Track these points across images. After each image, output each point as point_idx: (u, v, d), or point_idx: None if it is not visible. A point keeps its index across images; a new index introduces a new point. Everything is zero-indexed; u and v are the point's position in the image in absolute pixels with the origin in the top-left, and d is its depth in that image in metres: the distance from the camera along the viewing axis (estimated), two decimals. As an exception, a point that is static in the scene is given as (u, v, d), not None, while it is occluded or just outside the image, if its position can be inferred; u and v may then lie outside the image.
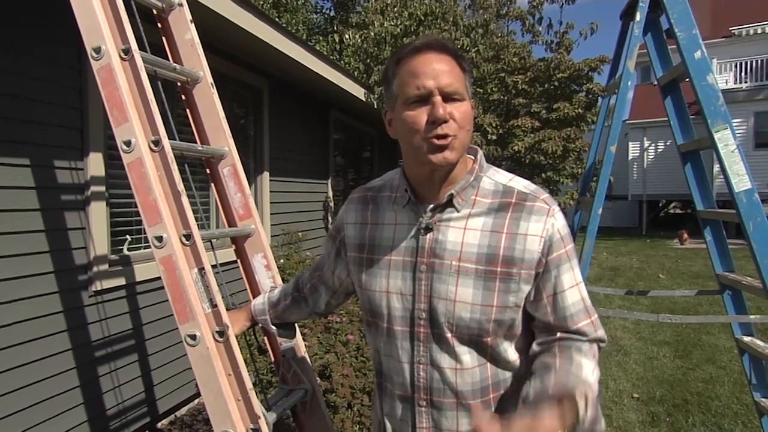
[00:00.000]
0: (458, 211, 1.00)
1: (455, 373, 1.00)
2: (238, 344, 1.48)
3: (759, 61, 15.63)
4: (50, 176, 2.48)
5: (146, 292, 3.07)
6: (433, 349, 1.01)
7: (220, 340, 1.46)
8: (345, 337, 3.03)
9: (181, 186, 1.50)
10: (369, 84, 6.40)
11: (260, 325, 1.44)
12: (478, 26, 7.51)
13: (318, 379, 1.80)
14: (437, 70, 0.93)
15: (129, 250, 2.97)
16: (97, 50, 1.53)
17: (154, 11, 1.81)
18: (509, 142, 6.89)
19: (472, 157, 1.05)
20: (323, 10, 16.87)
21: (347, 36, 7.78)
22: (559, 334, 1.00)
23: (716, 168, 12.09)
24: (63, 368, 2.51)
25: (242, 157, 1.83)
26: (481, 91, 7.32)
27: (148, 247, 3.11)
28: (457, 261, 0.98)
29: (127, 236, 2.98)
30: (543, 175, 7.06)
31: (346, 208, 1.18)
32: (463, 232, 0.99)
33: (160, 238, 1.47)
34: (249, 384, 1.45)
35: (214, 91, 1.81)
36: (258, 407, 1.44)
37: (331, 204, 6.33)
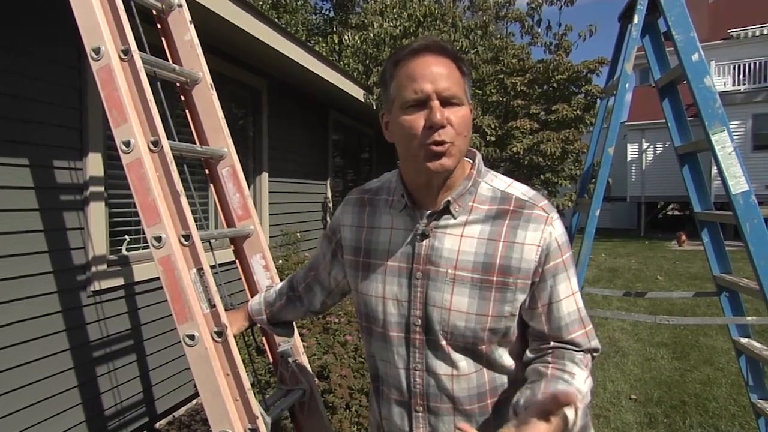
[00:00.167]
0: (455, 218, 0.98)
1: (451, 380, 0.99)
2: (237, 344, 1.49)
3: (757, 64, 15.67)
4: (49, 176, 2.48)
5: (145, 292, 3.07)
6: (428, 355, 1.00)
7: (219, 340, 1.46)
8: (343, 338, 3.04)
9: (180, 186, 1.51)
10: (368, 85, 6.42)
11: (259, 325, 1.44)
12: (477, 28, 7.53)
13: (316, 379, 1.81)
14: (435, 74, 0.91)
15: (127, 250, 2.97)
16: (97, 51, 1.53)
17: (154, 12, 1.82)
18: (508, 144, 6.90)
19: (470, 161, 1.03)
20: (322, 11, 16.89)
21: (346, 37, 7.80)
22: (552, 343, 0.99)
23: (714, 170, 12.13)
24: (61, 368, 2.51)
25: (241, 157, 1.84)
26: (480, 92, 7.34)
27: (147, 247, 3.12)
28: (453, 269, 0.97)
29: (126, 236, 2.98)
30: (541, 176, 7.08)
31: (343, 209, 1.16)
32: (459, 240, 0.97)
33: (159, 239, 1.47)
34: (247, 384, 1.45)
35: (214, 92, 1.81)
36: (256, 407, 1.45)
37: (330, 205, 6.33)
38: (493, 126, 6.72)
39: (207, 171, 1.83)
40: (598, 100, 7.02)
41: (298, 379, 1.69)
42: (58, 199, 2.54)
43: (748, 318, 2.40)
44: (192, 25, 1.81)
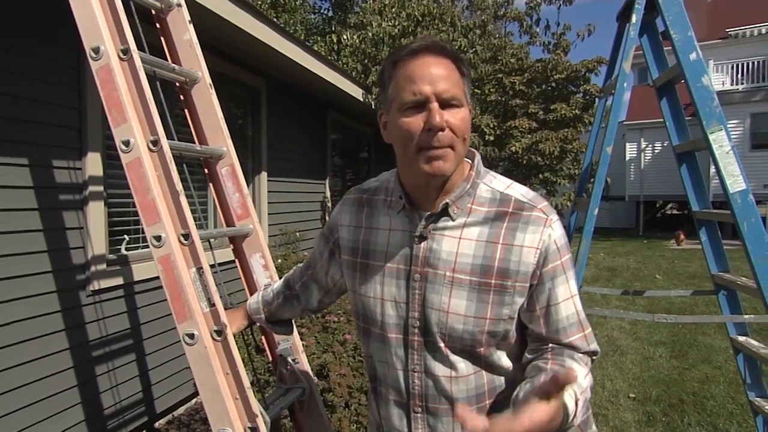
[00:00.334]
0: (453, 220, 0.97)
1: (450, 381, 0.99)
2: (236, 343, 1.49)
3: (755, 63, 15.69)
4: (48, 176, 2.48)
5: (144, 291, 3.07)
6: (427, 357, 1.00)
7: (218, 339, 1.47)
8: (342, 337, 3.04)
9: (179, 186, 1.51)
10: (367, 84, 6.42)
11: (258, 324, 1.45)
12: (475, 27, 7.53)
13: (315, 378, 1.81)
14: (435, 75, 0.90)
15: (127, 249, 2.98)
16: (96, 50, 1.54)
17: (153, 12, 1.82)
18: (507, 143, 6.91)
19: (470, 161, 1.02)
20: (321, 11, 16.89)
21: (345, 36, 7.80)
22: (551, 345, 0.98)
23: (712, 170, 12.13)
24: (61, 368, 2.52)
25: (240, 157, 1.84)
26: (479, 91, 7.34)
27: (146, 246, 3.13)
28: (451, 272, 0.96)
29: (125, 236, 2.98)
30: (540, 175, 7.09)
31: (341, 209, 1.15)
32: (458, 242, 0.97)
33: (158, 238, 1.47)
34: (247, 383, 1.46)
35: (213, 91, 1.81)
36: (256, 406, 1.45)
37: (329, 204, 6.34)
38: (491, 125, 6.73)
39: (206, 170, 1.84)
40: (597, 100, 7.03)
41: (297, 377, 1.69)
42: (57, 198, 2.54)
43: (746, 316, 2.41)
44: (191, 24, 1.82)
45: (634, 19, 2.27)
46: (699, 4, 17.27)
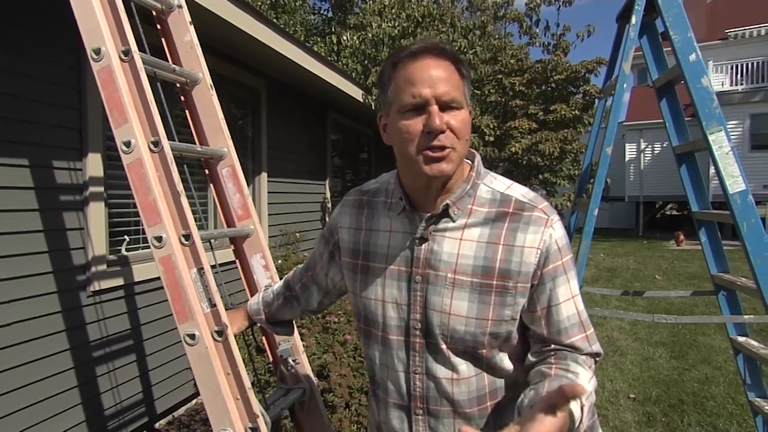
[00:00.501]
0: (454, 221, 0.97)
1: (451, 383, 0.99)
2: (237, 344, 1.49)
3: (755, 63, 15.71)
4: (49, 176, 2.48)
5: (144, 292, 3.08)
6: (428, 359, 1.00)
7: (219, 339, 1.47)
8: (343, 337, 3.04)
9: (180, 186, 1.51)
10: (366, 85, 6.42)
11: (258, 324, 1.45)
12: (475, 28, 7.54)
13: (316, 378, 1.81)
14: (434, 78, 0.90)
15: (127, 250, 2.98)
16: (97, 51, 1.54)
17: (154, 13, 1.82)
18: (506, 144, 6.91)
19: (470, 162, 1.02)
20: (321, 12, 16.90)
21: (345, 37, 7.80)
22: (553, 346, 0.98)
23: (712, 170, 12.14)
24: (61, 368, 2.52)
25: (240, 157, 1.84)
26: (479, 92, 7.35)
27: (146, 247, 3.13)
28: (453, 273, 0.96)
29: (125, 236, 2.99)
30: (540, 176, 7.09)
31: (341, 210, 1.15)
32: (459, 243, 0.97)
33: (159, 238, 1.48)
34: (248, 383, 1.46)
35: (213, 92, 1.82)
36: (257, 406, 1.45)
37: (329, 205, 6.34)
38: (491, 126, 6.74)
39: (207, 171, 1.84)
40: (596, 100, 7.04)
41: (297, 378, 1.70)
42: (58, 199, 2.55)
43: (746, 317, 2.42)
44: (192, 25, 1.82)
45: (633, 20, 2.27)
46: (698, 5, 17.28)
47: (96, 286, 2.71)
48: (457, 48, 6.71)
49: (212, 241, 1.81)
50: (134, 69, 1.55)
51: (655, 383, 4.04)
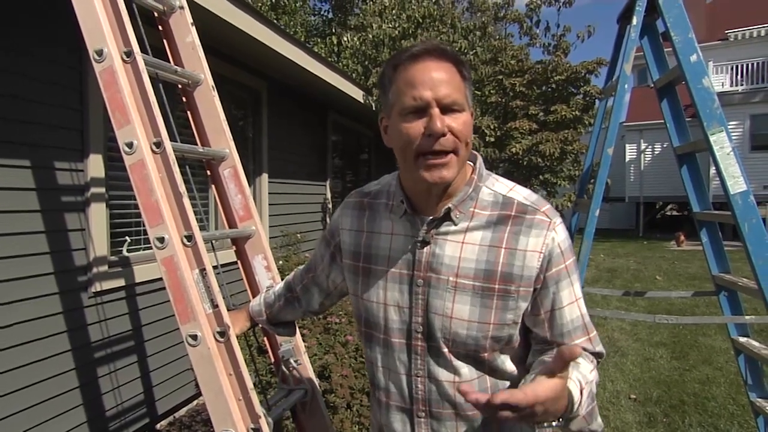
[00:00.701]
0: (456, 225, 0.97)
1: (453, 386, 0.99)
2: (238, 345, 1.49)
3: (755, 64, 15.71)
4: (50, 177, 2.49)
5: (145, 293, 3.08)
6: (430, 362, 0.99)
7: (221, 340, 1.47)
8: (344, 338, 3.04)
9: (182, 187, 1.52)
10: (367, 86, 6.42)
11: (260, 325, 1.45)
12: (476, 29, 7.55)
13: (317, 379, 1.81)
14: (435, 80, 0.89)
15: (128, 251, 2.98)
16: (100, 53, 1.54)
17: (155, 14, 1.83)
18: (507, 144, 6.92)
19: (471, 164, 1.02)
20: (321, 12, 16.90)
21: (345, 38, 7.81)
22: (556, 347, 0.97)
23: (712, 171, 12.15)
24: (63, 369, 2.52)
25: (241, 158, 1.84)
26: (479, 93, 7.35)
27: (147, 248, 3.13)
28: (455, 277, 0.96)
29: (127, 237, 2.99)
30: (540, 177, 7.09)
31: (342, 212, 1.14)
32: (460, 247, 0.96)
33: (161, 239, 1.48)
34: (250, 384, 1.46)
35: (215, 93, 1.82)
36: (259, 407, 1.46)
37: (330, 206, 6.34)
38: (492, 127, 6.74)
39: (209, 172, 1.84)
40: (597, 101, 7.04)
41: (299, 379, 1.70)
42: (59, 200, 2.55)
43: (747, 317, 2.41)
44: (193, 27, 1.82)
45: (634, 21, 2.28)
46: (698, 6, 17.28)
47: (97, 287, 2.71)
48: (457, 49, 6.72)
49: (214, 241, 1.81)
50: (136, 70, 1.55)
51: (656, 384, 4.04)
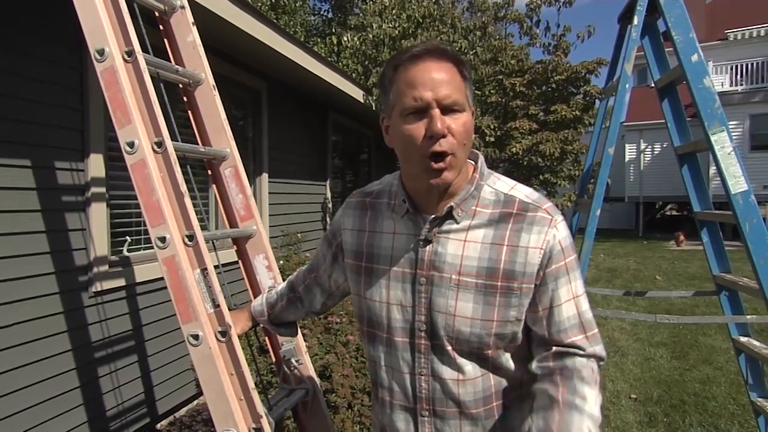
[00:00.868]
0: (458, 223, 0.97)
1: (457, 384, 0.99)
2: (240, 344, 1.49)
3: (754, 64, 15.72)
4: (51, 177, 2.48)
5: (146, 293, 3.07)
6: (434, 360, 1.00)
7: (223, 340, 1.47)
8: (345, 338, 3.04)
9: (184, 187, 1.52)
10: (367, 86, 6.42)
11: (261, 325, 1.45)
12: (476, 29, 7.54)
13: (318, 379, 1.81)
14: (436, 81, 0.89)
15: (129, 251, 2.98)
16: (101, 52, 1.54)
17: (156, 13, 1.82)
18: (507, 144, 6.92)
19: (473, 163, 1.02)
20: (321, 12, 16.90)
21: (345, 38, 7.80)
22: (554, 349, 0.97)
23: (712, 170, 12.16)
24: (63, 369, 2.52)
25: (241, 158, 1.84)
26: (479, 93, 7.35)
27: (148, 248, 3.13)
28: (457, 275, 0.96)
29: (127, 237, 2.99)
30: (540, 176, 7.09)
31: (344, 212, 1.14)
32: (463, 245, 0.97)
33: (163, 239, 1.48)
34: (251, 384, 1.46)
35: (216, 93, 1.82)
36: (260, 406, 1.46)
37: (330, 205, 6.34)
38: (492, 127, 6.74)
39: (210, 172, 1.84)
40: (597, 101, 7.04)
41: (300, 378, 1.70)
42: (59, 200, 2.55)
43: (748, 317, 2.41)
44: (194, 26, 1.82)
45: (636, 20, 2.27)
46: (697, 6, 17.27)
47: (98, 286, 2.71)
48: (457, 49, 6.71)
49: (215, 241, 1.81)
50: (137, 70, 1.55)
51: (656, 383, 4.04)
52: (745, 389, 2.46)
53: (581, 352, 0.97)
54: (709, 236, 2.43)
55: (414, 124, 0.91)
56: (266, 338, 1.84)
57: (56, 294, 2.49)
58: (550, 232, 0.95)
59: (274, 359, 1.85)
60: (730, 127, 2.24)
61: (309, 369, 1.75)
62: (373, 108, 6.22)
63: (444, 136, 0.89)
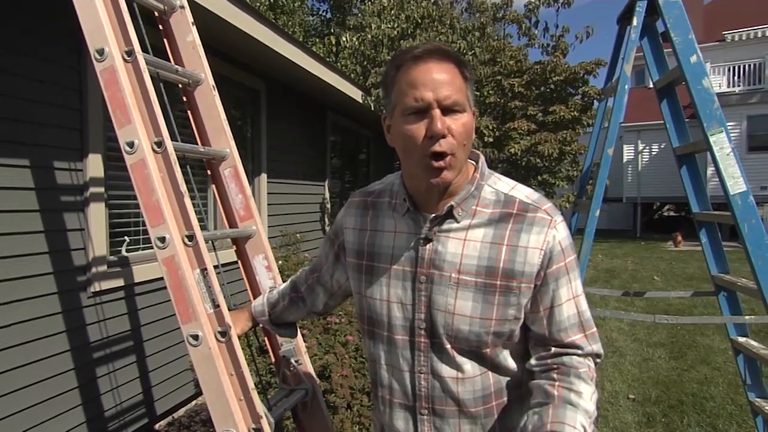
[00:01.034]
0: (458, 222, 0.98)
1: (456, 382, 0.99)
2: (239, 344, 1.49)
3: (752, 65, 15.76)
4: (50, 177, 2.48)
5: (144, 293, 3.07)
6: (433, 358, 1.00)
7: (222, 340, 1.47)
8: (344, 338, 3.04)
9: (183, 187, 1.51)
10: (366, 86, 6.41)
11: (261, 325, 1.45)
12: (474, 29, 7.54)
13: (317, 379, 1.81)
14: (437, 81, 0.90)
15: (127, 251, 2.97)
16: (101, 52, 1.54)
17: (156, 13, 1.82)
18: (505, 145, 6.92)
19: (474, 163, 1.03)
20: (320, 12, 16.88)
21: (344, 38, 7.80)
22: (554, 351, 0.98)
23: (710, 171, 12.19)
24: (62, 369, 2.51)
25: (240, 158, 1.84)
26: (478, 93, 7.35)
27: (146, 248, 3.13)
28: (457, 273, 0.97)
29: (126, 237, 2.98)
30: (539, 177, 7.09)
31: (345, 212, 1.15)
32: (463, 244, 0.97)
33: (162, 239, 1.47)
34: (251, 384, 1.46)
35: (216, 93, 1.82)
36: (260, 407, 1.45)
37: (328, 206, 6.33)
38: (490, 127, 6.74)
39: (209, 172, 1.84)
40: (595, 102, 7.05)
41: (300, 379, 1.70)
42: (58, 200, 2.54)
43: (747, 317, 2.42)
44: (194, 26, 1.82)
45: (635, 21, 2.28)
46: (695, 7, 17.32)
47: (96, 286, 2.70)
48: (456, 49, 6.71)
49: (214, 241, 1.81)
50: (137, 69, 1.55)
51: (654, 384, 4.05)
52: (743, 389, 2.47)
53: (580, 351, 0.98)
54: (708, 237, 2.44)
55: (415, 124, 0.91)
56: (266, 338, 1.84)
57: (55, 294, 2.49)
58: (549, 232, 0.96)
59: (273, 359, 1.85)
60: (728, 127, 2.25)
61: (308, 369, 1.75)
62: (372, 108, 6.22)
63: (444, 137, 0.90)
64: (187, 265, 1.48)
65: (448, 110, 0.91)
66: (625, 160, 17.82)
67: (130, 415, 2.95)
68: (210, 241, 1.65)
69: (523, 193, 1.01)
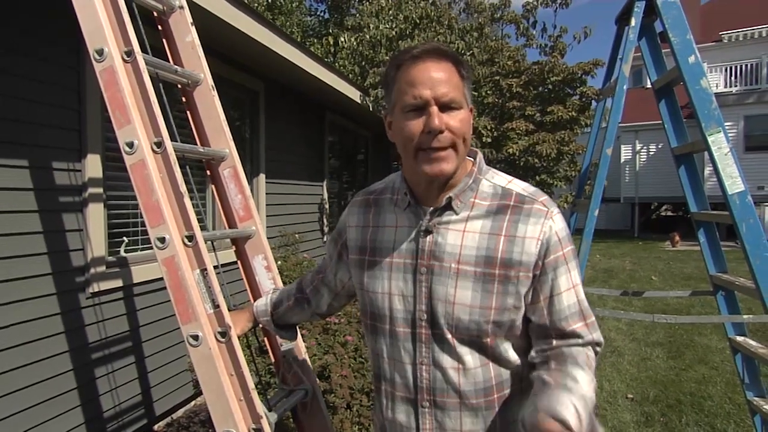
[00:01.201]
0: (457, 214, 1.01)
1: (458, 374, 1.01)
2: (239, 345, 1.49)
3: (748, 65, 15.81)
4: (48, 178, 2.47)
5: (143, 293, 3.06)
6: (435, 349, 1.02)
7: (222, 340, 1.47)
8: (343, 338, 3.04)
9: (183, 187, 1.51)
10: (364, 86, 6.42)
11: (261, 326, 1.45)
12: (472, 30, 7.55)
13: (317, 379, 1.81)
14: (434, 79, 0.94)
15: (126, 251, 2.97)
16: (100, 52, 1.54)
17: (155, 14, 1.82)
18: (504, 145, 6.93)
19: (472, 159, 1.06)
20: (318, 13, 16.87)
21: (342, 39, 7.80)
22: (555, 342, 1.00)
23: (707, 170, 12.22)
24: (61, 370, 2.51)
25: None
26: (476, 94, 7.35)
27: (145, 248, 3.12)
28: (456, 263, 0.99)
29: (124, 238, 2.98)
30: (537, 177, 7.10)
31: (349, 211, 1.19)
32: (462, 235, 1.00)
33: (162, 239, 1.47)
34: (251, 384, 1.46)
35: (215, 93, 1.82)
36: (260, 407, 1.45)
37: (327, 206, 6.33)
38: (489, 127, 6.75)
39: (209, 172, 1.84)
40: (593, 102, 7.06)
41: (300, 379, 1.70)
42: (57, 200, 2.54)
43: (745, 316, 2.43)
44: (193, 26, 1.82)
45: (633, 22, 2.29)
46: (692, 7, 17.36)
47: (95, 287, 2.70)
48: (454, 50, 6.71)
49: (214, 242, 1.81)
50: (137, 70, 1.55)
51: (652, 383, 4.06)
52: (742, 388, 2.48)
53: (581, 340, 1.00)
54: (706, 237, 2.45)
55: (414, 120, 0.96)
56: (266, 339, 1.84)
57: (53, 295, 2.48)
58: (546, 223, 0.99)
59: (273, 360, 1.85)
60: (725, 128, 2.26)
61: (308, 369, 1.75)
62: (370, 108, 6.22)
63: (441, 132, 0.94)
64: (186, 266, 1.48)
65: (445, 107, 0.95)
66: (622, 160, 17.86)
67: (129, 415, 2.94)
68: (210, 242, 1.65)
69: (519, 186, 1.04)
